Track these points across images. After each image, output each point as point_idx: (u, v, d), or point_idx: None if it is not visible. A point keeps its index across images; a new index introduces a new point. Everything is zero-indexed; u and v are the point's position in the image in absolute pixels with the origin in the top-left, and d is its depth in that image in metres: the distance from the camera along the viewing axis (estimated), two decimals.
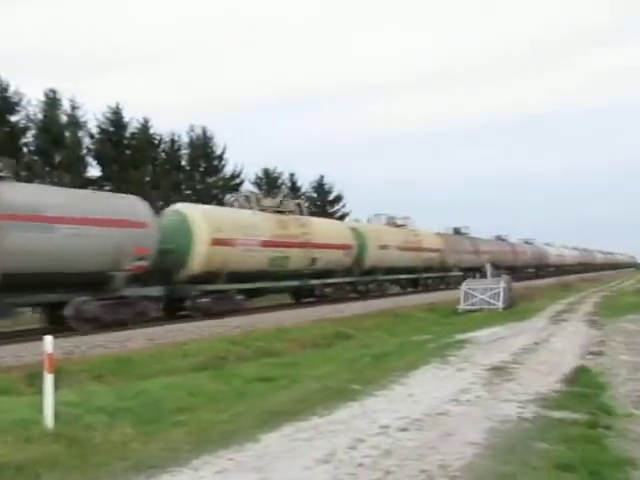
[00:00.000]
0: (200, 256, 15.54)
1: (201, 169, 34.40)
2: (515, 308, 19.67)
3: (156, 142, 32.76)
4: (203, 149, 34.21)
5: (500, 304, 19.26)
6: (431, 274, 30.30)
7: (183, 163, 34.22)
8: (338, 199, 43.26)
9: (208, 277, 15.82)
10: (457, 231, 37.24)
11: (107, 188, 27.39)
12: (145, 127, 31.79)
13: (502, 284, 20.11)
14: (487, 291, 19.86)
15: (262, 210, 19.11)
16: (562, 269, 57.94)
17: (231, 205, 19.78)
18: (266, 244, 17.78)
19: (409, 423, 5.53)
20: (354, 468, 4.31)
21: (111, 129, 30.30)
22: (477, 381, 7.58)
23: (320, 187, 43.09)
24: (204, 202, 22.11)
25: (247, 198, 19.76)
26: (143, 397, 6.52)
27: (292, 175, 41.73)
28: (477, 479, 4.02)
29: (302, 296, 21.30)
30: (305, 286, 20.45)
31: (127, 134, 31.02)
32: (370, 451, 4.71)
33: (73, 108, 28.10)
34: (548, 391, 6.87)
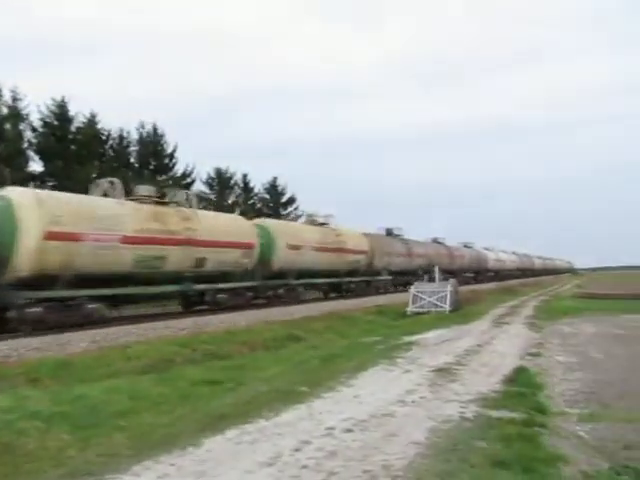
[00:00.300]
0: (28, 253, 12.27)
1: (151, 167, 33.52)
2: (461, 311, 20.23)
3: (104, 138, 31.69)
4: (153, 147, 33.36)
5: (447, 307, 19.76)
6: (356, 278, 27.35)
7: (132, 160, 33.26)
8: (291, 201, 43.20)
9: (42, 280, 12.52)
10: (389, 232, 34.68)
11: (51, 184, 26.25)
12: (92, 122, 30.66)
13: (449, 287, 20.65)
14: (435, 294, 20.34)
15: (136, 200, 15.73)
16: (501, 274, 56.71)
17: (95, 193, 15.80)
18: (130, 240, 14.34)
19: (354, 424, 5.58)
20: (298, 470, 4.31)
21: (55, 123, 29.08)
22: (423, 382, 7.74)
23: (273, 188, 42.90)
24: None
25: (112, 184, 15.90)
26: (82, 401, 6.28)
27: (245, 176, 41.36)
28: (418, 478, 4.10)
29: (192, 303, 18.00)
30: (190, 291, 17.03)
31: (72, 128, 29.85)
32: (315, 453, 4.73)
33: (14, 100, 26.78)
34: (489, 391, 7.10)
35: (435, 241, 42.66)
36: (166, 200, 17.03)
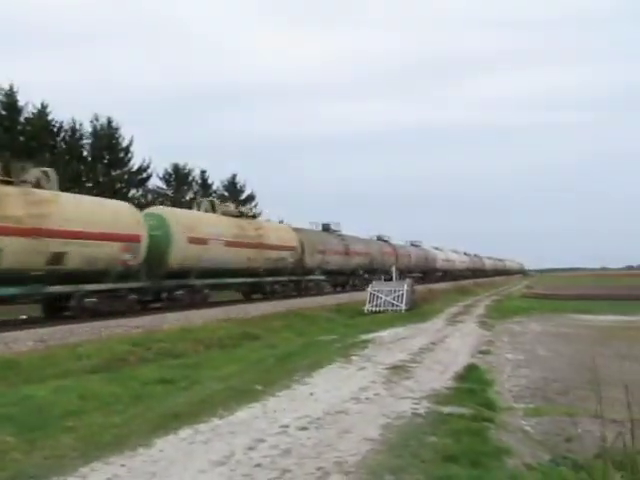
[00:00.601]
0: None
1: (105, 161, 32.57)
2: (417, 310, 20.63)
3: (55, 129, 30.58)
4: (108, 140, 32.41)
5: (403, 306, 20.11)
6: (281, 278, 24.02)
7: (85, 154, 32.21)
8: (250, 198, 42.93)
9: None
10: (325, 227, 31.53)
11: None
12: (43, 112, 29.58)
13: (405, 287, 21.02)
14: (391, 293, 20.66)
15: None
16: (450, 274, 54.81)
17: None
18: None
19: (309, 422, 5.61)
20: (251, 469, 4.30)
21: (3, 113, 27.85)
22: (377, 379, 7.86)
23: (232, 185, 42.51)
24: (107, 196, 20.75)
25: (46, 174, 14.05)
26: (28, 402, 6.06)
27: (203, 172, 40.84)
28: (370, 474, 4.17)
29: (57, 309, 14.53)
30: (37, 295, 13.64)
31: (22, 119, 28.66)
32: (269, 451, 4.73)
33: None
34: (441, 388, 7.28)
35: (380, 239, 40.32)
36: (10, 179, 13.20)
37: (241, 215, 22.57)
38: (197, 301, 18.21)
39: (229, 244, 20.07)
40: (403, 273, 32.83)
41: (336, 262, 29.91)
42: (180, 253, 17.61)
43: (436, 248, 54.32)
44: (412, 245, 47.43)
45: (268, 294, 22.90)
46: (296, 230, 26.72)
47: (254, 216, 24.46)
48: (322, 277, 28.34)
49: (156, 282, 16.97)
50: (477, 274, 68.10)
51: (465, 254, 68.41)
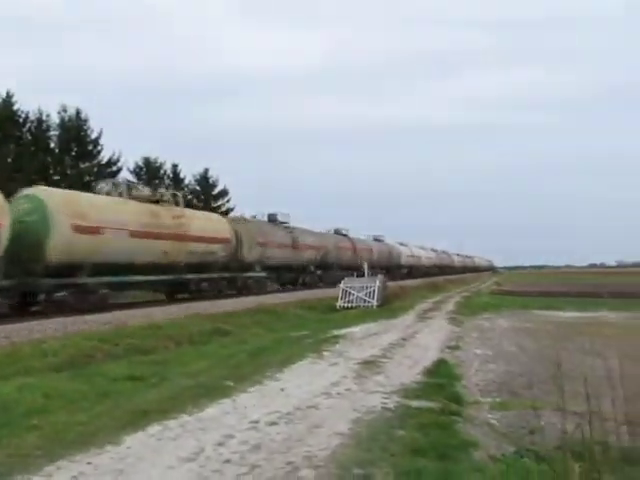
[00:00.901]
0: None
1: (73, 153, 31.77)
2: (388, 306, 20.83)
3: (20, 120, 29.67)
4: (76, 132, 31.62)
5: (375, 302, 20.29)
6: (210, 275, 20.72)
7: (52, 145, 31.36)
8: (223, 194, 42.55)
9: None
10: (272, 218, 28.51)
11: None
12: (7, 102, 28.66)
13: (377, 283, 21.20)
14: (363, 289, 20.81)
15: None
16: (417, 271, 51.84)
17: None
18: None
19: (279, 417, 5.62)
20: (221, 465, 4.28)
21: None
22: (348, 375, 7.91)
23: (204, 180, 42.05)
24: (74, 188, 20.21)
25: None
26: None
27: (175, 166, 40.25)
28: (339, 468, 4.20)
29: None
30: None
31: None
32: (239, 447, 4.71)
33: None
34: (410, 382, 7.38)
35: (337, 232, 37.77)
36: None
37: (159, 201, 18.88)
38: (91, 303, 14.88)
39: (136, 234, 16.55)
40: (307, 268, 30.79)
41: (282, 256, 26.55)
42: (62, 244, 14.32)
43: (401, 244, 51.43)
44: (375, 240, 43.86)
45: (194, 293, 19.95)
46: (232, 220, 23.86)
47: (177, 202, 20.24)
48: (262, 274, 24.87)
49: (26, 281, 13.77)
50: (445, 271, 66.07)
51: (432, 250, 66.24)
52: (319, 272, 31.96)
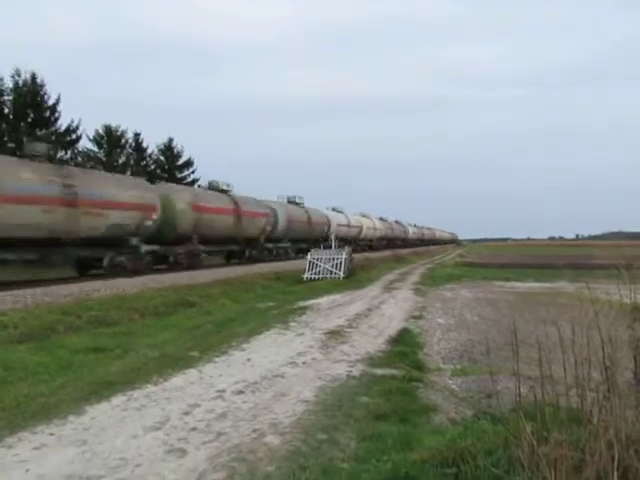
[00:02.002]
0: None
1: (29, 120, 30.39)
2: (355, 277, 21.08)
3: None
4: (32, 97, 30.18)
5: (341, 273, 20.50)
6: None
7: (6, 111, 29.90)
8: (188, 164, 41.68)
9: None
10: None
11: None
12: None
13: (344, 255, 21.39)
14: (330, 261, 20.98)
15: None
16: (356, 244, 40.58)
17: None
18: None
19: (245, 386, 5.67)
20: (186, 433, 4.32)
21: None
22: (314, 344, 8.02)
23: (168, 150, 41.03)
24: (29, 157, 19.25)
25: None
26: None
27: (137, 135, 39.04)
28: (304, 433, 4.29)
29: None
30: None
31: None
32: (204, 415, 4.75)
33: None
34: (375, 351, 7.54)
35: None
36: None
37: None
38: None
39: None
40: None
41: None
42: None
43: (335, 209, 42.73)
44: (289, 203, 34.12)
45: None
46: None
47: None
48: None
49: None
50: (396, 244, 58.04)
51: (381, 219, 56.40)
52: (269, 245, 29.75)
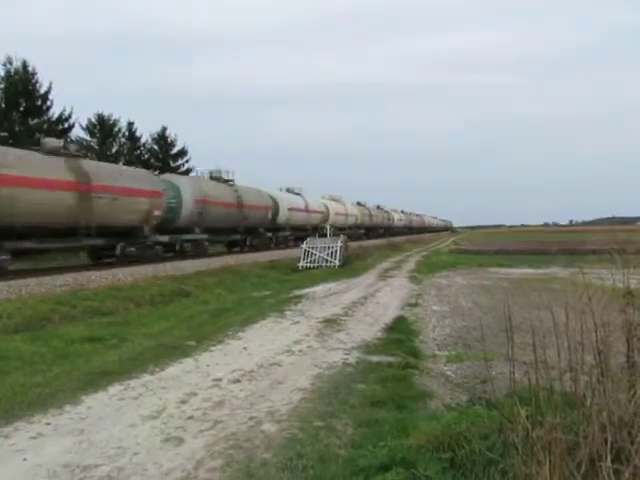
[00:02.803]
0: None
1: (21, 109, 30.05)
2: (350, 265, 21.12)
3: None
4: (23, 86, 29.82)
5: (337, 262, 20.53)
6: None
7: None
8: (182, 153, 41.39)
9: None
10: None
11: None
12: None
13: (339, 243, 21.40)
14: (325, 249, 20.99)
15: None
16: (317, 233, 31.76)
17: None
18: None
19: (242, 375, 5.69)
20: (184, 421, 4.34)
21: None
22: (310, 333, 8.05)
23: (162, 139, 40.72)
24: (21, 146, 19.10)
25: None
26: None
27: (131, 124, 38.69)
28: (301, 421, 4.32)
29: None
30: None
31: None
32: (201, 404, 4.77)
33: None
34: (371, 339, 7.57)
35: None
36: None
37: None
38: None
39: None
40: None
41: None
42: None
43: (290, 190, 35.15)
44: (212, 179, 26.58)
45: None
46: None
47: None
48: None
49: None
50: (379, 233, 52.70)
51: (359, 204, 49.85)
52: (269, 234, 30.15)
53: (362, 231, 47.77)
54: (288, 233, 33.09)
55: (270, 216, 29.57)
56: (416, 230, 77.34)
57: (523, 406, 2.72)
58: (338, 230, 34.08)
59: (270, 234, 30.60)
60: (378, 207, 57.81)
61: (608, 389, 2.60)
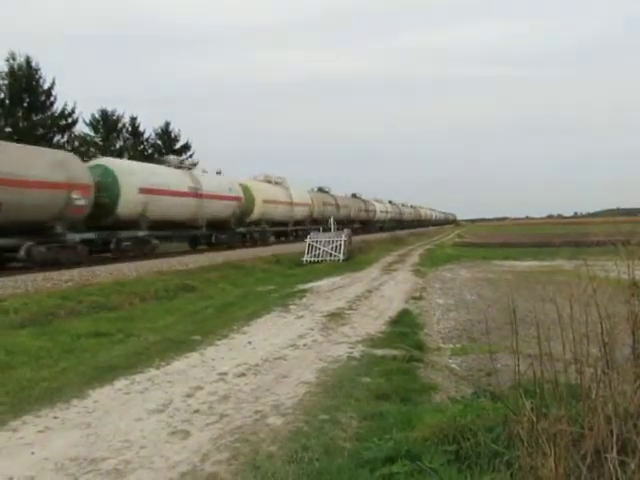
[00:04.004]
0: None
1: (25, 104, 30.13)
2: (353, 259, 21.12)
3: None
4: (27, 81, 29.88)
5: (341, 256, 20.54)
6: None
7: (2, 96, 29.62)
8: (186, 148, 41.45)
9: None
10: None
11: None
12: None
13: (343, 237, 21.40)
14: (329, 243, 21.00)
15: None
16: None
17: None
18: None
19: (247, 369, 5.71)
20: (189, 415, 4.36)
21: None
22: (315, 327, 8.06)
23: (165, 134, 40.77)
24: (25, 142, 19.18)
25: None
26: None
27: (134, 119, 38.76)
28: (306, 414, 4.34)
29: None
30: None
31: None
32: (207, 397, 4.80)
33: None
34: (375, 332, 7.58)
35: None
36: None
37: None
38: None
39: None
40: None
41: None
42: None
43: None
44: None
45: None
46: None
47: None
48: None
49: None
50: (368, 227, 46.95)
51: (321, 191, 40.98)
52: (242, 229, 27.36)
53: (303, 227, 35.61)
54: (265, 228, 30.02)
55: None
56: (408, 224, 67.35)
57: (528, 398, 2.72)
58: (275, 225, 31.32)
59: (242, 229, 27.40)
60: (354, 195, 47.96)
61: (613, 381, 2.60)
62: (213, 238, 24.48)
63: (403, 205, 71.13)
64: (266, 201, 29.16)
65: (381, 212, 55.98)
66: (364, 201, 50.96)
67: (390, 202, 63.52)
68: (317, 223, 32.54)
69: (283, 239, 33.40)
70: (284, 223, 32.28)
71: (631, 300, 2.78)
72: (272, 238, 31.64)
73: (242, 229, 27.39)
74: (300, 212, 34.41)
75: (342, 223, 34.19)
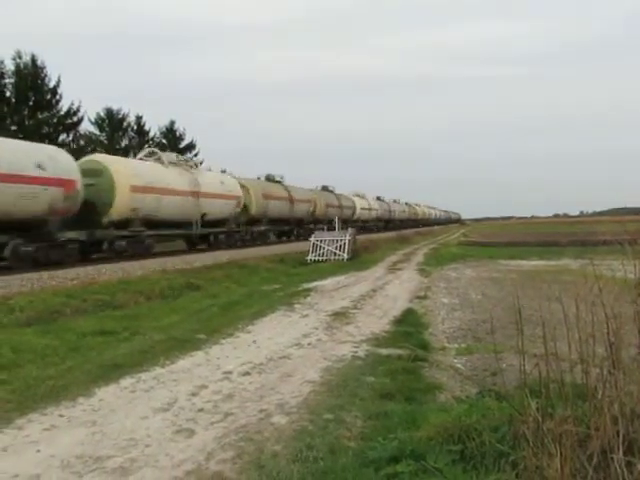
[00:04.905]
0: None
1: (30, 103, 30.26)
2: (358, 258, 21.11)
3: None
4: (33, 80, 30.00)
5: (345, 255, 20.53)
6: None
7: (8, 94, 29.76)
8: (191, 147, 41.53)
9: None
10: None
11: None
12: None
13: (347, 236, 21.39)
14: (334, 243, 20.99)
15: None
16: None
17: None
18: None
19: (252, 368, 5.72)
20: (194, 413, 4.37)
21: None
22: (319, 326, 8.07)
23: (170, 133, 40.86)
24: (31, 140, 19.19)
25: None
26: None
27: (139, 118, 38.86)
28: (311, 413, 4.34)
29: None
30: None
31: None
32: (212, 396, 4.81)
33: None
34: (380, 332, 7.58)
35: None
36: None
37: None
38: None
39: None
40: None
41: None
42: None
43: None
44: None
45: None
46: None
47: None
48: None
49: None
50: (365, 226, 42.20)
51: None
52: (239, 228, 26.06)
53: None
54: (265, 228, 29.19)
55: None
56: (399, 224, 58.64)
57: (533, 398, 2.71)
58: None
59: (242, 228, 26.47)
60: (325, 188, 40.51)
61: (620, 381, 2.58)
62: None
63: (395, 202, 62.80)
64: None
65: (362, 209, 47.14)
66: (337, 196, 41.09)
67: (378, 198, 55.39)
68: (319, 222, 32.11)
69: (285, 238, 33.31)
70: (285, 222, 31.93)
71: (637, 300, 2.76)
72: (273, 237, 31.47)
73: (242, 228, 26.66)
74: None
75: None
